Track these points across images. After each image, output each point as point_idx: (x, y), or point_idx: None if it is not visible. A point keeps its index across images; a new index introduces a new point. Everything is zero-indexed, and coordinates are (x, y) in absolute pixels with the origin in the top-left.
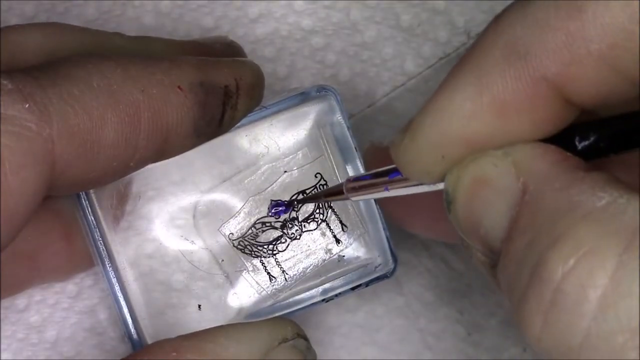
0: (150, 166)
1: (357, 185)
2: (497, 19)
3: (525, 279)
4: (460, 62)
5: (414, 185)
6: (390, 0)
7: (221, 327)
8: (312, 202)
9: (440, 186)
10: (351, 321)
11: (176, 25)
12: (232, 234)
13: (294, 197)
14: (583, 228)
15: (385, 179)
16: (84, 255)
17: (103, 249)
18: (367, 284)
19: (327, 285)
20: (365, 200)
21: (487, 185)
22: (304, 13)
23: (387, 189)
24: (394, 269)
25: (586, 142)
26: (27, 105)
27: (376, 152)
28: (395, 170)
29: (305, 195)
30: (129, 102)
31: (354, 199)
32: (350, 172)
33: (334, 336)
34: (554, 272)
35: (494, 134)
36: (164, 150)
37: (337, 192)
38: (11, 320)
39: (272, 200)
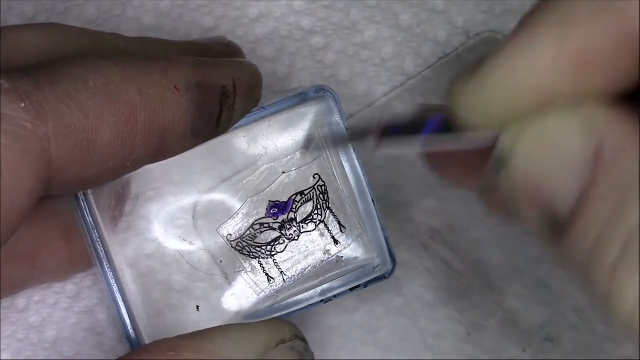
0: (148, 167)
1: (388, 135)
2: None
3: (615, 251)
4: (540, 8)
5: (454, 142)
6: (390, 0)
7: (219, 327)
8: (335, 146)
9: (488, 143)
10: (350, 321)
11: (176, 25)
12: (231, 234)
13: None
14: None
15: (420, 132)
16: (84, 255)
17: (101, 250)
18: (365, 285)
19: (325, 286)
20: (364, 201)
21: (554, 146)
22: (304, 13)
23: (421, 143)
24: (393, 270)
25: None
26: (23, 105)
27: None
28: (433, 119)
29: (303, 196)
30: (126, 101)
31: (381, 151)
32: (349, 173)
33: (333, 337)
34: None
35: (571, 88)
36: (161, 150)
37: (363, 137)
38: (11, 320)
39: (270, 201)
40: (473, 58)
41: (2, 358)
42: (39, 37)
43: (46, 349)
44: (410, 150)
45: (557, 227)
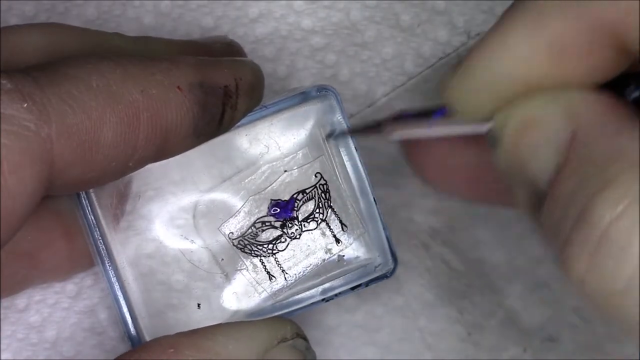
0: (149, 166)
1: (400, 122)
2: None
3: (571, 222)
4: (517, 5)
5: (458, 126)
6: (390, 0)
7: (220, 325)
8: (349, 135)
9: (484, 128)
10: (351, 321)
11: (176, 25)
12: (232, 233)
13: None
14: (632, 176)
15: (429, 118)
16: (84, 254)
17: (103, 249)
18: (366, 284)
19: (326, 285)
20: (366, 200)
21: (536, 128)
22: (304, 13)
23: (430, 128)
24: (394, 269)
25: (638, 93)
26: (25, 105)
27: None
28: (439, 110)
29: (305, 195)
30: (128, 102)
31: (393, 137)
32: (351, 172)
33: (333, 336)
34: (601, 217)
35: (547, 77)
36: (164, 150)
37: (375, 128)
38: (11, 320)
39: (271, 200)
40: None
41: (2, 358)
42: (40, 37)
43: (46, 349)
44: (419, 134)
45: (539, 203)
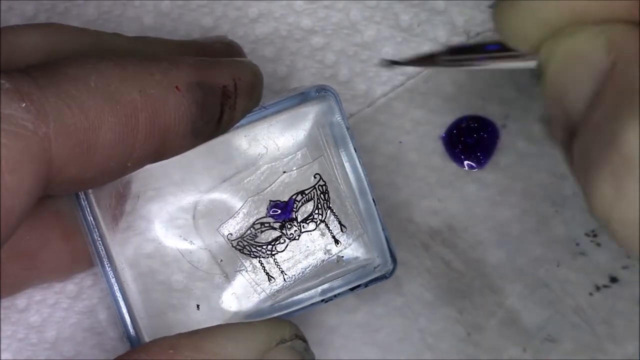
0: (149, 167)
1: (453, 54)
2: None
3: (601, 147)
4: None
5: (509, 60)
6: (390, 0)
7: (219, 326)
8: (409, 65)
9: (532, 64)
10: (351, 321)
11: (176, 25)
12: (231, 234)
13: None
14: None
15: (482, 51)
16: (84, 255)
17: (102, 249)
18: (366, 285)
19: (326, 286)
20: (365, 201)
21: (579, 59)
22: (304, 13)
23: (482, 60)
24: (393, 270)
25: None
26: (24, 105)
27: None
28: (492, 45)
29: (304, 196)
30: (127, 102)
31: (445, 67)
32: (350, 172)
33: (333, 336)
34: (632, 143)
35: (593, 9)
36: (162, 150)
37: (429, 59)
38: (11, 320)
39: (270, 201)
40: None
41: (2, 358)
42: (39, 37)
43: (46, 349)
44: (472, 67)
45: (572, 139)
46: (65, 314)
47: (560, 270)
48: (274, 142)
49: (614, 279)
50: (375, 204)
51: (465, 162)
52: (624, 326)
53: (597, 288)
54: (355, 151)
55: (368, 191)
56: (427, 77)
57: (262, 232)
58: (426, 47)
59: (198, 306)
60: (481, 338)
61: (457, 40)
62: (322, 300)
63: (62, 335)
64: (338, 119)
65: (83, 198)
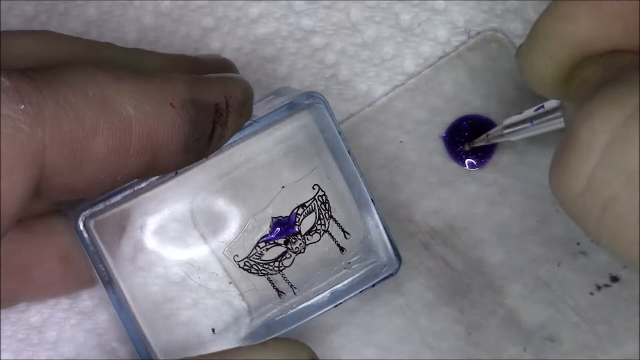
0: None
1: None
2: None
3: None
4: None
5: (551, 120)
6: (390, 0)
7: (239, 348)
8: (483, 143)
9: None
10: (351, 321)
11: (176, 26)
12: (237, 255)
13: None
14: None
15: (532, 114)
16: (79, 275)
17: (106, 275)
18: (374, 286)
19: (335, 292)
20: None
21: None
22: (304, 13)
23: (532, 124)
24: (399, 267)
25: None
26: (22, 107)
27: None
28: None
29: (305, 208)
30: (122, 115)
31: (512, 139)
32: (347, 177)
33: (333, 336)
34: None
35: (596, 41)
36: (153, 166)
37: (497, 134)
38: (11, 320)
39: (272, 218)
40: (474, 57)
41: (2, 358)
42: (32, 44)
43: (47, 350)
44: (528, 133)
45: None
46: (66, 314)
47: (560, 270)
48: (269, 157)
49: (614, 279)
50: (375, 204)
51: (466, 162)
52: (624, 326)
53: (598, 288)
54: (350, 154)
55: (367, 194)
56: (427, 77)
57: (267, 250)
58: (426, 47)
59: (213, 330)
60: (481, 338)
61: (458, 39)
62: (334, 306)
63: (62, 335)
64: (329, 124)
65: (82, 223)
